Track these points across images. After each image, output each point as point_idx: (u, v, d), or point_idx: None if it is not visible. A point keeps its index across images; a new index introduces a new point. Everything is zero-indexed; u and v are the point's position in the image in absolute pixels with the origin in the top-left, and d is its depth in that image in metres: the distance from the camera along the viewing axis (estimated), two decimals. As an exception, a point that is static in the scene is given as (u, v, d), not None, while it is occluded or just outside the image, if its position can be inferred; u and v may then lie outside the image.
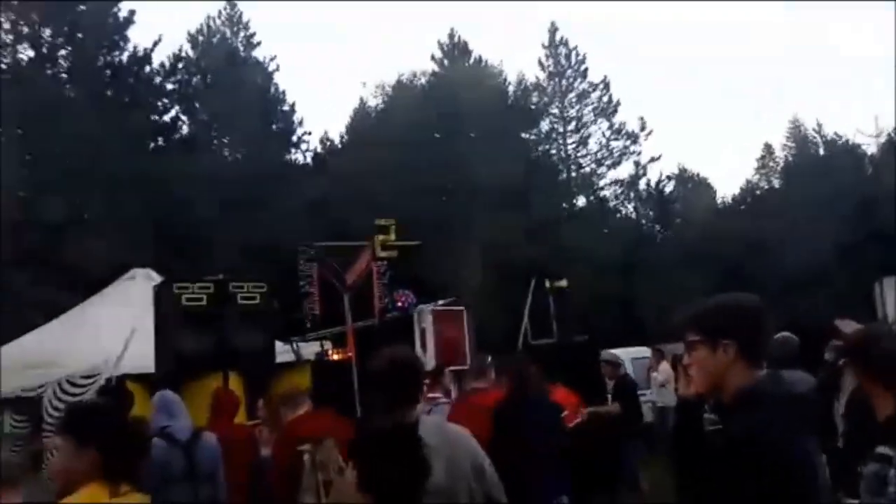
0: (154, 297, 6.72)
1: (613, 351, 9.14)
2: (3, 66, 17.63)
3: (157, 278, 9.78)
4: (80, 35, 18.31)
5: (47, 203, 14.41)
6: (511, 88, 29.12)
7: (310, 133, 27.10)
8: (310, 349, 8.41)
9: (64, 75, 18.71)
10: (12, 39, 17.68)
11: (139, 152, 18.46)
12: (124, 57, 20.18)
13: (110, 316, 8.05)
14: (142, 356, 6.53)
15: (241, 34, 27.07)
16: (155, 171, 17.76)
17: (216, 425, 4.69)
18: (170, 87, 21.99)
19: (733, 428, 1.89)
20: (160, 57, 21.85)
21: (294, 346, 8.16)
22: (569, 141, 30.02)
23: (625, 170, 29.98)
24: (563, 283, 10.34)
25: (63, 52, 18.62)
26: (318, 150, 27.63)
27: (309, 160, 26.61)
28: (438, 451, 2.34)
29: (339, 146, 27.65)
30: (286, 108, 26.65)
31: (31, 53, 17.79)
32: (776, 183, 36.19)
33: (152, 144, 20.85)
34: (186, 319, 6.48)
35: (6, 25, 18.01)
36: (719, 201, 35.37)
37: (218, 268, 18.15)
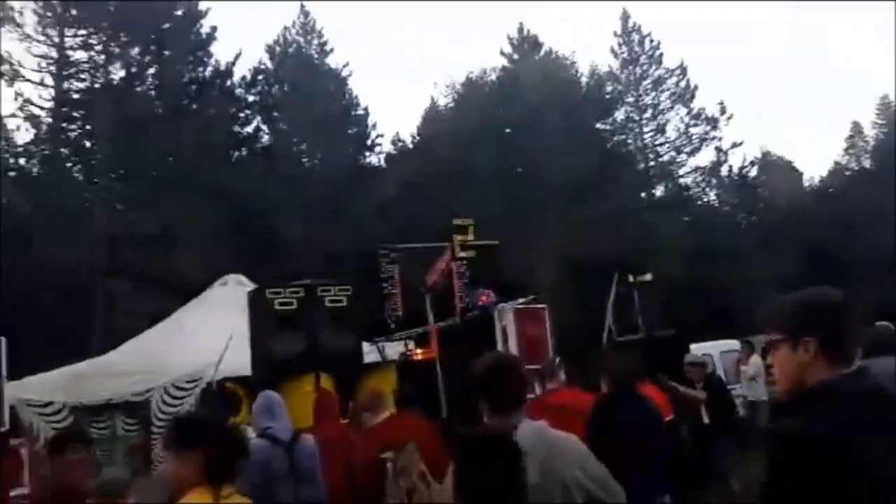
0: (248, 303, 7.00)
1: (701, 345, 8.92)
2: (97, 86, 18.71)
3: (247, 283, 10.19)
4: (166, 52, 19.25)
5: (141, 216, 15.20)
6: (584, 79, 28.74)
7: (382, 135, 27.61)
8: (394, 349, 8.57)
9: (152, 92, 19.68)
10: (104, 60, 18.71)
11: (223, 163, 19.26)
12: (208, 72, 21.13)
13: (207, 321, 8.43)
14: (238, 360, 6.80)
15: (315, 42, 27.75)
16: (238, 181, 18.51)
17: (320, 427, 4.84)
18: (251, 98, 22.85)
19: (785, 424, 1.83)
20: (241, 70, 22.79)
21: (379, 346, 8.32)
22: (645, 129, 29.35)
23: (705, 156, 29.14)
24: (648, 276, 10.14)
25: (151, 70, 19.57)
26: (391, 151, 28.14)
27: (382, 162, 27.08)
28: (533, 456, 2.36)
29: (411, 147, 27.99)
30: (360, 112, 27.24)
31: (122, 73, 18.77)
32: (867, 163, 34.38)
33: (235, 154, 21.72)
34: (279, 323, 6.76)
35: (98, 47, 19.13)
36: (806, 185, 33.93)
37: (301, 271, 18.86)
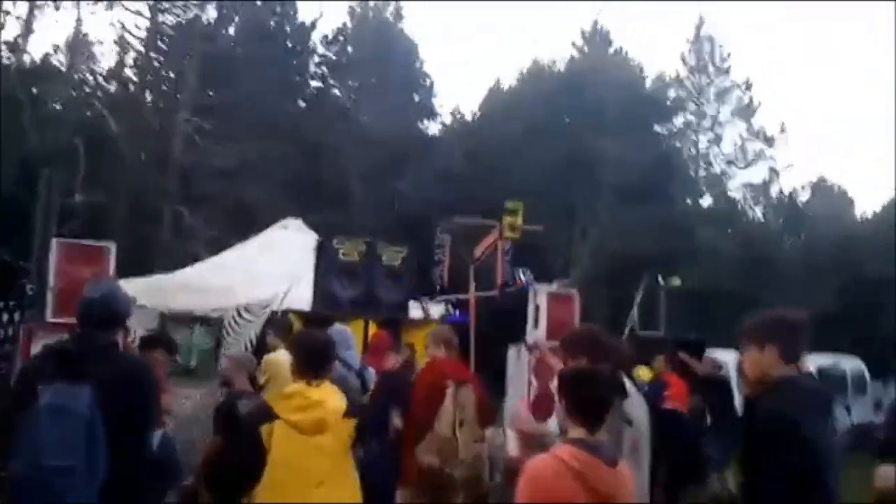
0: (316, 249, 7.84)
1: (720, 351, 9.45)
2: (184, 22, 19.70)
3: (305, 229, 11.07)
4: (257, 2, 20.15)
5: (218, 149, 16.22)
6: (649, 81, 28.91)
7: (441, 107, 28.26)
8: (437, 309, 9.37)
9: (238, 36, 20.66)
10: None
11: (297, 114, 20.20)
12: (292, 25, 21.99)
13: (271, 258, 9.35)
14: (299, 297, 7.64)
15: (392, 6, 28.40)
16: (307, 132, 19.42)
17: (372, 361, 5.71)
18: (328, 54, 23.72)
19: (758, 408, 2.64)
20: (323, 28, 23.66)
21: (424, 305, 9.11)
22: (702, 138, 29.48)
23: (757, 173, 29.19)
24: (677, 281, 10.74)
25: (238, 15, 20.49)
26: (450, 123, 28.79)
27: (439, 133, 27.77)
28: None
29: (471, 121, 28.58)
30: (425, 81, 27.89)
31: (214, 14, 19.75)
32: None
33: (305, 106, 22.70)
34: (340, 271, 7.60)
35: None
36: (858, 216, 33.62)
37: (354, 225, 19.78)
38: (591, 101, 23.61)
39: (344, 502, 3.36)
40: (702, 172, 29.32)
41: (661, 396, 5.62)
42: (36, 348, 5.17)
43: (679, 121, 29.43)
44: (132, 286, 7.73)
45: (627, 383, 3.75)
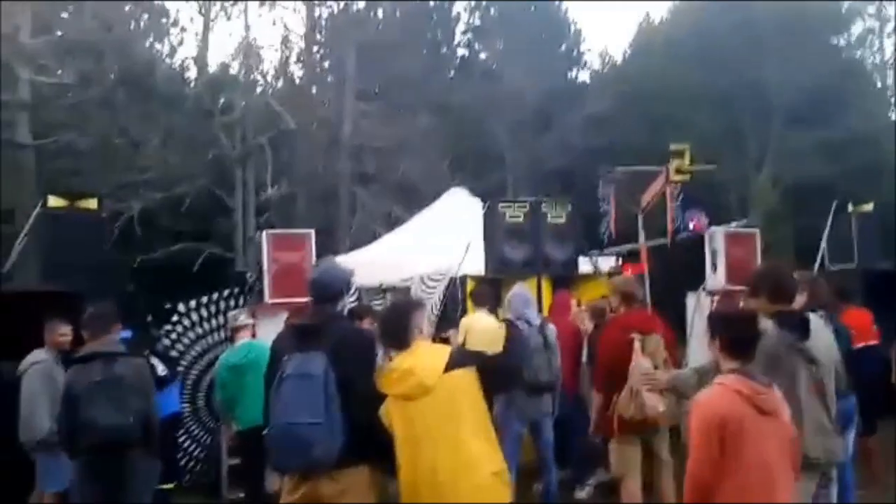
0: (484, 214, 8.23)
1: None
2: (336, 13, 20.78)
3: (469, 197, 11.52)
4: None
5: (380, 130, 17.19)
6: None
7: (589, 51, 27.50)
8: (607, 262, 9.42)
9: (386, 19, 21.55)
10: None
11: (447, 85, 20.73)
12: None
13: (444, 228, 9.91)
14: (471, 261, 8.07)
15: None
16: (458, 99, 19.90)
17: (554, 319, 6.06)
18: (472, 21, 24.07)
19: None
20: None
21: (593, 259, 9.20)
22: (887, 43, 26.34)
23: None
24: (869, 206, 9.94)
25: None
26: (599, 68, 28.02)
27: (589, 79, 27.11)
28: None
29: (621, 63, 27.60)
30: (571, 28, 27.30)
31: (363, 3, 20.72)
32: None
33: (454, 75, 23.25)
34: (509, 233, 7.93)
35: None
36: None
37: (514, 185, 20.06)
38: (752, 22, 21.85)
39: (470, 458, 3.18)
40: (889, 81, 26.27)
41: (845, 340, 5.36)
42: (260, 327, 6.06)
43: (858, 28, 26.47)
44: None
45: (816, 322, 3.70)
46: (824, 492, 3.60)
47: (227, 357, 5.84)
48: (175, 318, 7.15)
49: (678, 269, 9.19)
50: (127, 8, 17.40)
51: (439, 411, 3.16)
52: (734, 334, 3.03)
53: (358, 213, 17.62)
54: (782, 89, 21.04)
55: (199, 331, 7.21)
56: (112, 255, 8.60)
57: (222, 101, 17.42)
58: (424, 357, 3.30)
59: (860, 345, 5.96)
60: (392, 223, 14.70)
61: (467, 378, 3.24)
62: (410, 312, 3.47)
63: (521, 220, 8.07)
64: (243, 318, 5.93)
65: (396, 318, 3.49)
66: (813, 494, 3.46)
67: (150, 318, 7.19)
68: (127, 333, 5.12)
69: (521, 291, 5.77)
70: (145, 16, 18.30)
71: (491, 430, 3.29)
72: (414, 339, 3.37)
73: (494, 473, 3.19)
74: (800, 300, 5.14)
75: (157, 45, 18.70)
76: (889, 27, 26.12)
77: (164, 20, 18.53)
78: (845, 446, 4.61)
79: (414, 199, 15.16)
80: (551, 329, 5.66)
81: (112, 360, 4.27)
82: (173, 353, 6.97)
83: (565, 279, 8.02)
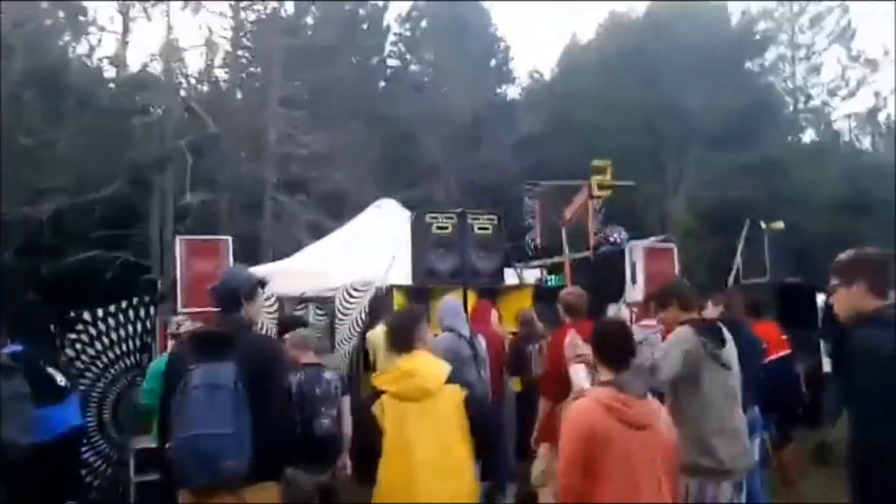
0: (411, 224, 8.13)
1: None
2: (264, 17, 20.43)
3: (398, 207, 11.43)
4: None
5: (308, 139, 16.88)
6: (734, 18, 27.48)
7: (518, 70, 28.00)
8: (531, 274, 9.52)
9: (316, 25, 21.24)
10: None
11: (377, 95, 20.62)
12: (365, 9, 22.44)
13: (370, 237, 9.78)
14: (398, 271, 7.97)
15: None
16: (388, 111, 19.81)
17: (479, 327, 6.00)
18: (403, 32, 24.04)
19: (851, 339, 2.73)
20: (399, 7, 23.93)
21: (518, 271, 9.27)
22: (798, 70, 27.88)
23: (861, 102, 27.43)
24: (780, 224, 10.35)
25: (313, 6, 21.05)
26: (528, 85, 28.51)
27: (518, 96, 27.56)
28: None
29: (549, 81, 28.19)
30: (501, 45, 27.70)
31: (291, 8, 20.39)
32: None
33: (385, 85, 23.15)
34: (435, 243, 7.87)
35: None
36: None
37: (441, 197, 20.05)
38: (673, 47, 22.73)
39: (457, 466, 3.33)
40: (801, 106, 27.79)
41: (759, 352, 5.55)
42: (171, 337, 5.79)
43: (771, 54, 27.93)
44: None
45: (727, 332, 3.95)
46: (735, 497, 3.70)
47: (157, 364, 5.62)
48: (80, 327, 6.74)
49: (600, 281, 9.34)
50: (44, 6, 16.53)
51: (435, 416, 3.31)
52: (609, 346, 3.14)
53: (282, 222, 17.23)
54: (701, 112, 21.89)
55: (106, 341, 6.82)
56: (7, 262, 8.05)
57: (140, 101, 16.72)
58: (427, 363, 3.48)
59: (773, 357, 6.14)
60: (318, 233, 14.43)
61: (461, 395, 3.41)
62: (419, 320, 3.65)
63: (448, 230, 7.95)
64: (189, 324, 5.68)
65: (408, 322, 3.65)
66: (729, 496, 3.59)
67: (54, 328, 6.75)
68: (17, 347, 4.71)
69: (452, 303, 5.70)
70: (61, 13, 17.45)
71: (469, 444, 3.40)
72: (417, 345, 3.53)
73: (473, 483, 3.39)
74: (714, 311, 5.32)
75: (74, 45, 17.87)
76: (800, 53, 27.65)
77: (81, 18, 17.72)
78: (753, 451, 4.76)
79: (341, 209, 14.95)
80: (479, 340, 5.60)
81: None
82: (78, 364, 6.57)
83: (490, 290, 8.01)
